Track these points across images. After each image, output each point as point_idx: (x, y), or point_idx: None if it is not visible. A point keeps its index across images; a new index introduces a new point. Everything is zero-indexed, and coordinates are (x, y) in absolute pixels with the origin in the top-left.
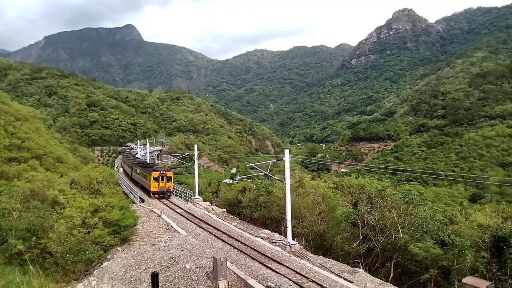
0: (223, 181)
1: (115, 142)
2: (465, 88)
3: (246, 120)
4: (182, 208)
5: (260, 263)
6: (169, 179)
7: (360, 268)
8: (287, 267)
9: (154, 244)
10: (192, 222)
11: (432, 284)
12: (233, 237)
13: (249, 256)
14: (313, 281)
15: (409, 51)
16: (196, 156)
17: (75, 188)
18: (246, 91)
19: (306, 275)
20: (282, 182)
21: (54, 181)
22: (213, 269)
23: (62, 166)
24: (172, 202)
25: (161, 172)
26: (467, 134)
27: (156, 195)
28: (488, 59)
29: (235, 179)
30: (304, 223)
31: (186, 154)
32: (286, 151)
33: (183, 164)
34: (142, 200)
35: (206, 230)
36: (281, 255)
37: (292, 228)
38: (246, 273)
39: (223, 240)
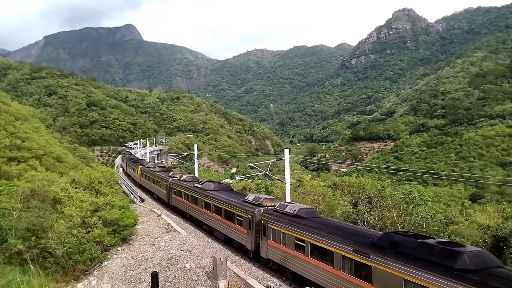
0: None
1: (115, 141)
2: (465, 88)
3: (246, 120)
4: None
5: (260, 262)
6: None
7: None
8: None
9: (154, 244)
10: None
11: None
12: None
13: (249, 255)
14: None
15: (409, 50)
16: (196, 156)
17: (76, 187)
18: (246, 90)
19: None
20: (282, 181)
21: (54, 180)
22: (213, 269)
23: (62, 166)
24: None
25: None
26: (467, 134)
27: None
28: (488, 59)
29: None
30: None
31: (186, 154)
32: (286, 151)
33: (183, 164)
34: (142, 200)
35: (206, 230)
36: None
37: None
38: (246, 273)
39: (222, 240)
